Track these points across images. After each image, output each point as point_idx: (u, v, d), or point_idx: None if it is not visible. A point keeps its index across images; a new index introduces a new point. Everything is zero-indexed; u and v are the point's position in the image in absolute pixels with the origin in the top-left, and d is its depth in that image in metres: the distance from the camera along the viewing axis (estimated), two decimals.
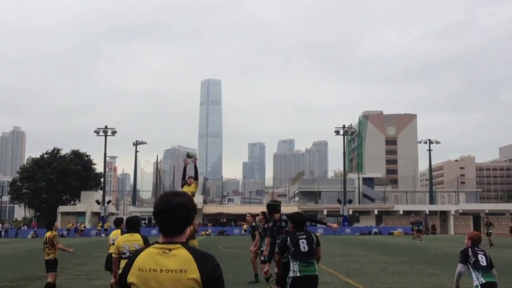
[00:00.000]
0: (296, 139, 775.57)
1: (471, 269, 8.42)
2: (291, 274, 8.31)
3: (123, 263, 9.70)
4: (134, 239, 9.61)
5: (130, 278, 3.17)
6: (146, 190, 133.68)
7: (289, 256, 8.40)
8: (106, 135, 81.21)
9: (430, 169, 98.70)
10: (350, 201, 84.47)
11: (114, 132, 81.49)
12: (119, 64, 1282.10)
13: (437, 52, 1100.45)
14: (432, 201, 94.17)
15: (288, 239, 8.49)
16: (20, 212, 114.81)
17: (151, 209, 63.68)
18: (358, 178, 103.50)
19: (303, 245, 8.34)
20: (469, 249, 8.61)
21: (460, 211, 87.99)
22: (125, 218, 10.99)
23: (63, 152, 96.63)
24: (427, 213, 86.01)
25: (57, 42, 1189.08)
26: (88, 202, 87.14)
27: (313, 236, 8.60)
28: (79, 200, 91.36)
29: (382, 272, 19.17)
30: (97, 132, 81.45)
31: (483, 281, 8.26)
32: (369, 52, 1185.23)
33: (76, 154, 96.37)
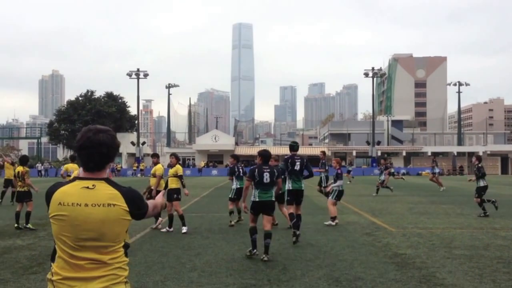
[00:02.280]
0: (326, 82, 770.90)
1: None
2: (252, 198, 10.50)
3: None
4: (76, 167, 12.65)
5: (51, 212, 3.21)
6: (181, 132, 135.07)
7: (253, 184, 10.51)
8: (138, 78, 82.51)
9: (459, 111, 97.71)
10: (378, 143, 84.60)
11: (146, 75, 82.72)
12: (154, 8, 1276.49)
13: None
14: (460, 142, 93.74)
15: (256, 171, 10.48)
16: (61, 152, 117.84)
17: (185, 150, 64.94)
18: (387, 121, 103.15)
19: (266, 177, 10.40)
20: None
21: (488, 152, 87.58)
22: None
23: (97, 95, 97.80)
24: (455, 154, 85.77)
25: None
26: (124, 144, 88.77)
27: (275, 171, 10.62)
28: None
29: (408, 212, 19.41)
30: (129, 75, 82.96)
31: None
32: None
33: (110, 96, 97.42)
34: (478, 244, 11.96)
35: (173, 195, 14.24)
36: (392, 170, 33.74)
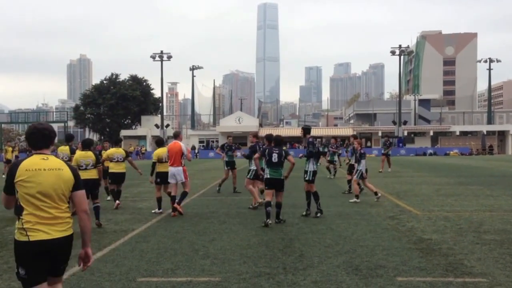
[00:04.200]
0: (352, 62, 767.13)
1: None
2: (265, 176, 12.42)
3: (81, 173, 11.74)
4: (88, 156, 12.79)
5: (19, 177, 4.63)
6: (205, 114, 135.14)
7: (265, 163, 12.50)
8: (162, 60, 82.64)
9: (490, 89, 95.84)
10: (405, 123, 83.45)
11: (169, 57, 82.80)
12: None
13: None
14: (490, 121, 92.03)
15: (267, 151, 12.44)
16: (88, 136, 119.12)
17: (209, 132, 65.26)
18: (414, 100, 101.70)
19: (275, 157, 12.24)
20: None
21: None
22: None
23: (121, 78, 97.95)
24: (485, 133, 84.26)
25: None
26: (148, 126, 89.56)
27: (283, 151, 12.42)
28: (140, 125, 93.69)
29: (435, 194, 18.78)
30: (153, 57, 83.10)
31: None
32: None
33: (134, 79, 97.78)
34: (509, 228, 11.33)
35: (156, 178, 15.01)
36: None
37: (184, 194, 14.20)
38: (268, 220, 11.84)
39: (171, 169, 14.14)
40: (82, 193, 4.87)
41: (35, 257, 4.57)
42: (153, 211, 14.82)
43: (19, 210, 4.62)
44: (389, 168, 32.58)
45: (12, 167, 4.69)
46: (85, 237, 4.86)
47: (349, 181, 19.29)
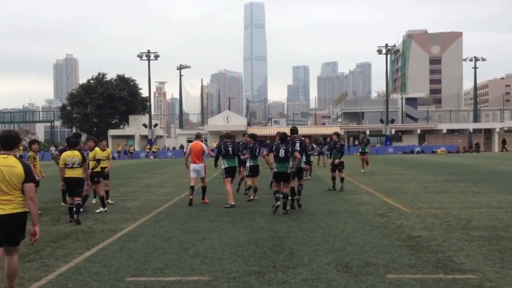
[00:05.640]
0: (339, 61, 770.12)
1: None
2: (274, 170, 13.64)
3: (67, 171, 13.22)
4: (74, 155, 13.29)
5: None
6: (193, 113, 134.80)
7: (273, 158, 13.64)
8: (149, 60, 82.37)
9: (475, 87, 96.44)
10: (392, 121, 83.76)
11: (156, 56, 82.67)
12: None
13: None
14: (476, 119, 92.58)
15: (274, 146, 13.75)
16: None
17: (197, 132, 64.32)
18: (401, 98, 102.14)
19: (282, 152, 13.47)
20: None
21: (505, 129, 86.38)
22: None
23: (108, 77, 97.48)
24: (471, 131, 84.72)
25: None
26: (136, 126, 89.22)
27: (290, 148, 13.62)
28: (128, 124, 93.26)
29: (423, 191, 18.80)
30: (140, 56, 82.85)
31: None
32: None
33: (121, 79, 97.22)
34: (497, 225, 11.37)
35: (93, 178, 15.13)
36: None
37: (204, 189, 16.35)
38: (277, 202, 13.44)
39: (194, 166, 16.03)
40: (30, 185, 6.37)
41: None
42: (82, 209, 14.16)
43: None
44: (367, 167, 30.67)
45: None
46: (33, 218, 6.40)
47: (334, 179, 20.02)
